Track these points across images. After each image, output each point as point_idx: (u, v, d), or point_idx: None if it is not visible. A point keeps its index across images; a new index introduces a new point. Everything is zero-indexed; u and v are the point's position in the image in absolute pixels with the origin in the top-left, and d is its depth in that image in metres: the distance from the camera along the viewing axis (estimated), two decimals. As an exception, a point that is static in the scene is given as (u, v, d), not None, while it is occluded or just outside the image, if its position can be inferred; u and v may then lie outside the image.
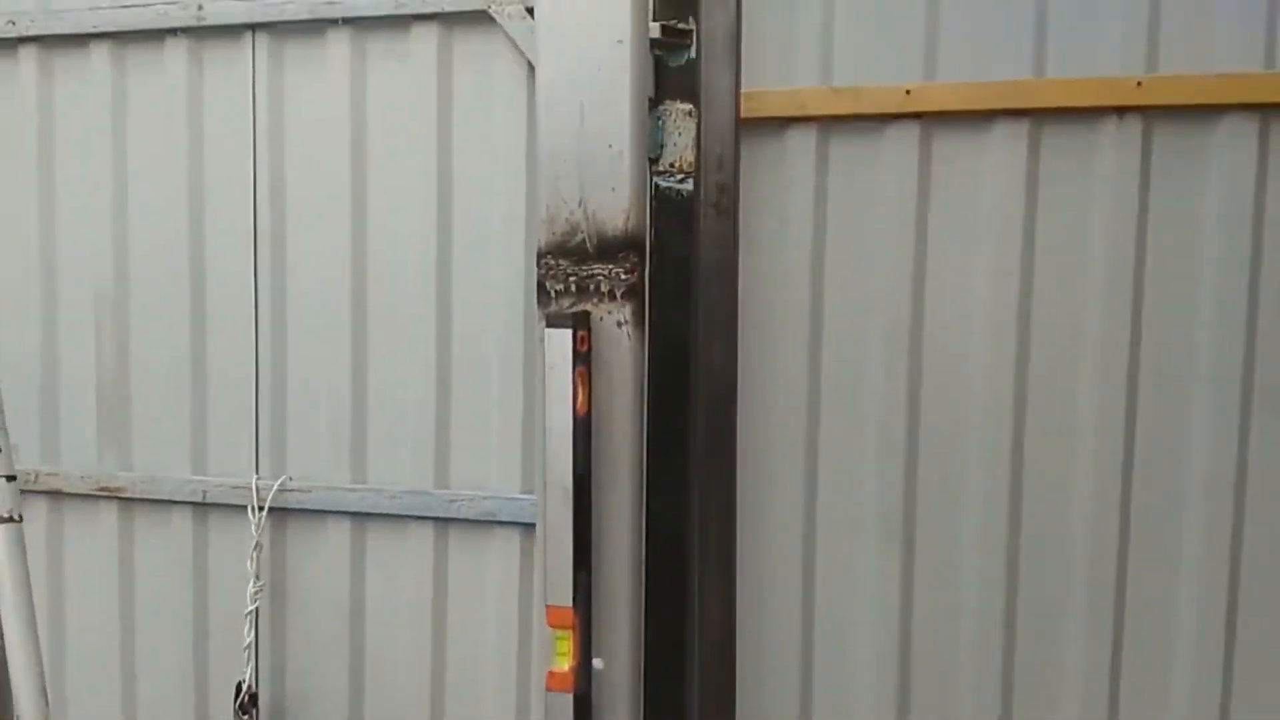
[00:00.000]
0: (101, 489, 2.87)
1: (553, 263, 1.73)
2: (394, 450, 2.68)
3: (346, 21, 2.57)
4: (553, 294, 1.73)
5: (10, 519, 1.78)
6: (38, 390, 2.88)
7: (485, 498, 2.60)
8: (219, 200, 2.74)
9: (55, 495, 2.91)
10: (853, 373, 2.41)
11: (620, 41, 1.64)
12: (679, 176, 2.18)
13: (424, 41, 2.54)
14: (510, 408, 2.58)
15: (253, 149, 2.69)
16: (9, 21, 2.80)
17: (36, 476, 2.86)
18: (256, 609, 2.73)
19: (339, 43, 2.60)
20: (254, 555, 2.72)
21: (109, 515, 2.88)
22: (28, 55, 2.83)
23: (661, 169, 2.11)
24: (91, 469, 2.88)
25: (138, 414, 2.85)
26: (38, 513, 2.85)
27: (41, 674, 1.80)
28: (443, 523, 2.65)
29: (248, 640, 2.72)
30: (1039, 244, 2.32)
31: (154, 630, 2.88)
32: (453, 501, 2.62)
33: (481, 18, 2.48)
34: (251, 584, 2.72)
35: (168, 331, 2.80)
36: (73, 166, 2.84)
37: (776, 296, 2.42)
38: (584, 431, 1.65)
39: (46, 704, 1.79)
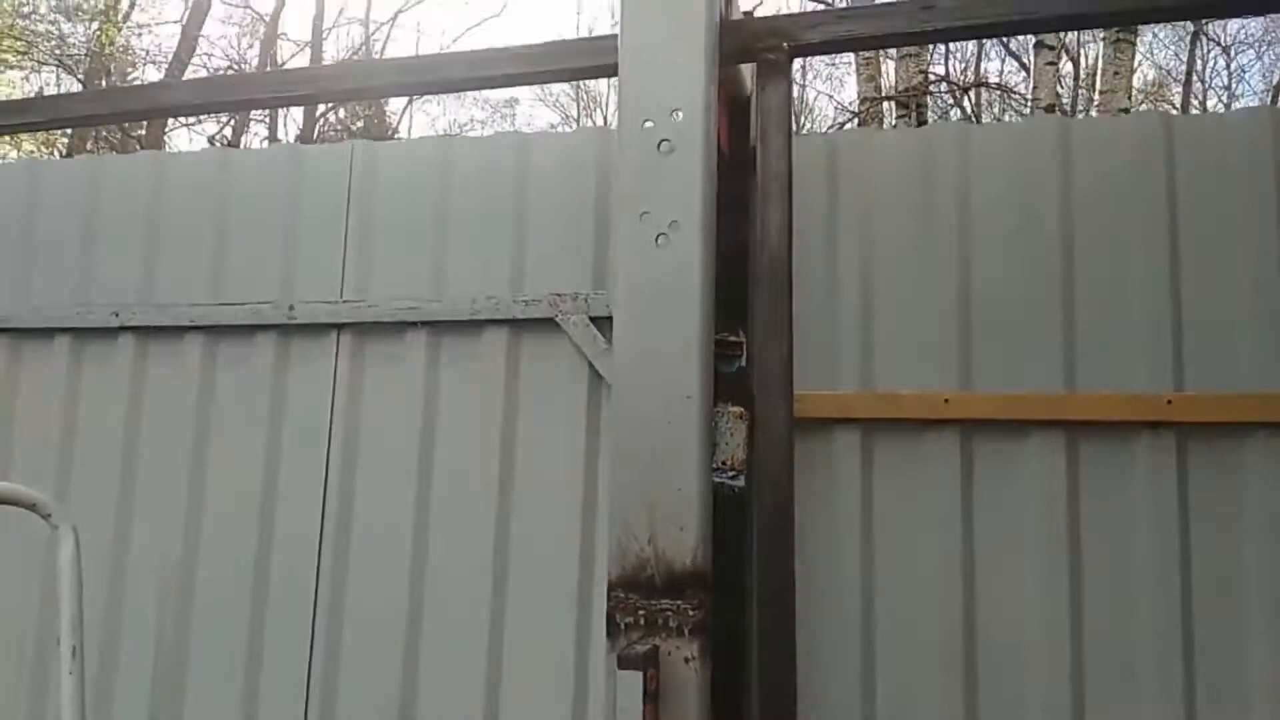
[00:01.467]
0: (145, 772, 2.85)
1: (622, 596, 1.81)
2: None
3: (424, 324, 2.80)
4: (622, 626, 1.80)
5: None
6: (96, 666, 2.92)
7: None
8: (290, 483, 2.88)
9: (100, 775, 2.89)
10: (908, 680, 2.42)
11: (689, 397, 1.79)
12: (731, 473, 2.31)
13: (494, 344, 2.76)
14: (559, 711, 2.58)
15: (328, 437, 2.86)
16: (113, 313, 3.06)
17: (83, 754, 2.85)
18: None
19: (416, 343, 2.82)
20: None
21: (149, 801, 2.85)
22: (126, 342, 3.07)
23: (715, 466, 2.23)
24: (139, 751, 2.87)
25: (190, 699, 2.86)
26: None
27: None
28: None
29: None
30: (1085, 547, 2.39)
31: None
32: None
33: (548, 324, 2.70)
34: None
35: (227, 616, 2.86)
36: (156, 445, 3.01)
37: (829, 604, 2.46)
38: (653, 773, 1.67)
39: None
